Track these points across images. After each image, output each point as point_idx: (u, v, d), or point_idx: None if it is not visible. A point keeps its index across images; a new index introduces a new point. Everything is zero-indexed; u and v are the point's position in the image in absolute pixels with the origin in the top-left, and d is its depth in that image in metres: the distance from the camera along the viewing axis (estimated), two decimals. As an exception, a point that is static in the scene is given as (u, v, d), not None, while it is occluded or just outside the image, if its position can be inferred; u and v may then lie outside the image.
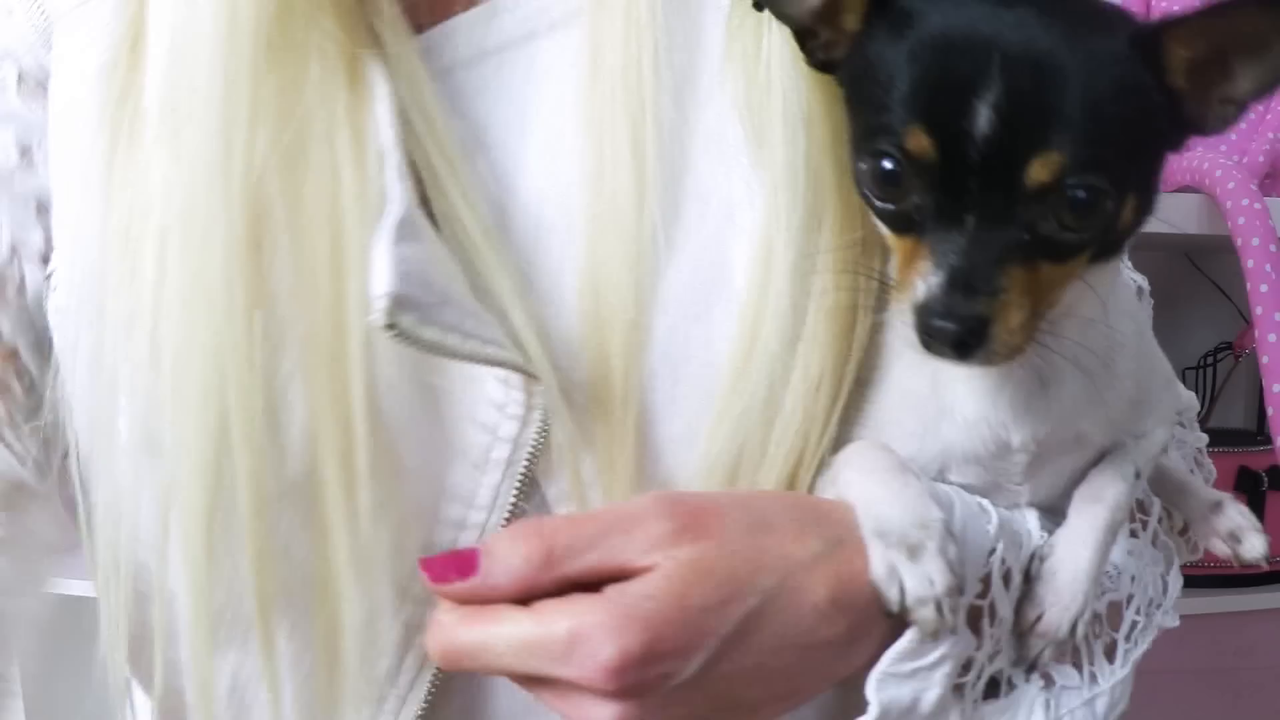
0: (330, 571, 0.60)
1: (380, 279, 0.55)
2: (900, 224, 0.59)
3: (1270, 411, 1.48)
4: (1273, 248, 1.52)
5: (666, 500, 0.57)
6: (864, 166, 0.59)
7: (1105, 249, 0.60)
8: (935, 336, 0.55)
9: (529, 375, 0.62)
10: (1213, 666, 1.81)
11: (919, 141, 0.55)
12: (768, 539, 0.58)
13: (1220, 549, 0.78)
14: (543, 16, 0.68)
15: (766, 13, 0.63)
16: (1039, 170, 0.54)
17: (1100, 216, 0.56)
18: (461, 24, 0.67)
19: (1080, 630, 0.65)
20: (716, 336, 0.65)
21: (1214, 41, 0.56)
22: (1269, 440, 1.49)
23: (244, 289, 0.59)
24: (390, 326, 0.55)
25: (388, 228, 0.56)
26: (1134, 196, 0.58)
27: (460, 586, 0.55)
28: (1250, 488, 1.81)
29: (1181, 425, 0.87)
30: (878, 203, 0.59)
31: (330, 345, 0.60)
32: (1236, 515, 0.78)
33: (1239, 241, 1.53)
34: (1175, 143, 0.61)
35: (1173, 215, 1.63)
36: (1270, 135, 1.66)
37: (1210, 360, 2.01)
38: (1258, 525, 0.78)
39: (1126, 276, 0.75)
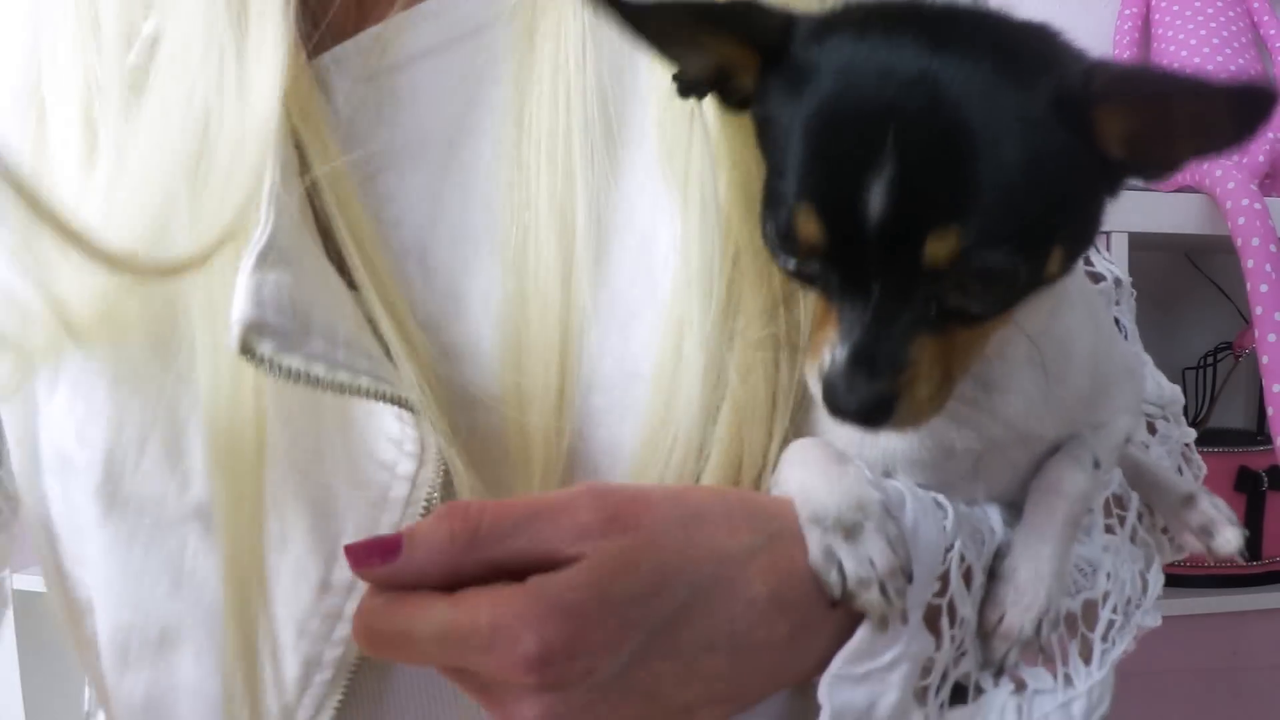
0: (231, 599, 0.59)
1: (237, 305, 0.54)
2: (808, 284, 0.56)
3: (1270, 411, 1.48)
4: (1273, 248, 1.53)
5: (597, 490, 0.55)
6: (768, 226, 0.56)
7: (1035, 288, 0.56)
8: (839, 413, 0.53)
9: (412, 410, 0.60)
10: (1213, 666, 1.81)
11: (808, 225, 0.52)
12: (700, 532, 0.56)
13: (1193, 544, 0.75)
14: (468, 21, 0.67)
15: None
16: (936, 248, 0.50)
17: (1011, 286, 0.53)
18: (388, 29, 0.67)
19: (1045, 631, 0.63)
20: (641, 352, 0.64)
21: (1148, 119, 0.52)
22: (1269, 440, 1.50)
23: (148, 311, 0.59)
24: (247, 353, 0.54)
25: (251, 253, 0.55)
26: (1060, 248, 0.54)
27: (382, 570, 0.53)
28: (1250, 488, 1.81)
29: (1166, 420, 0.85)
30: (782, 260, 0.56)
31: (226, 373, 0.59)
32: (1209, 509, 0.75)
33: (1239, 241, 1.54)
34: (1112, 189, 0.57)
35: (1173, 215, 1.64)
36: (1271, 135, 1.66)
37: (1210, 360, 2.01)
38: (1232, 518, 0.74)
39: (1078, 272, 0.70)
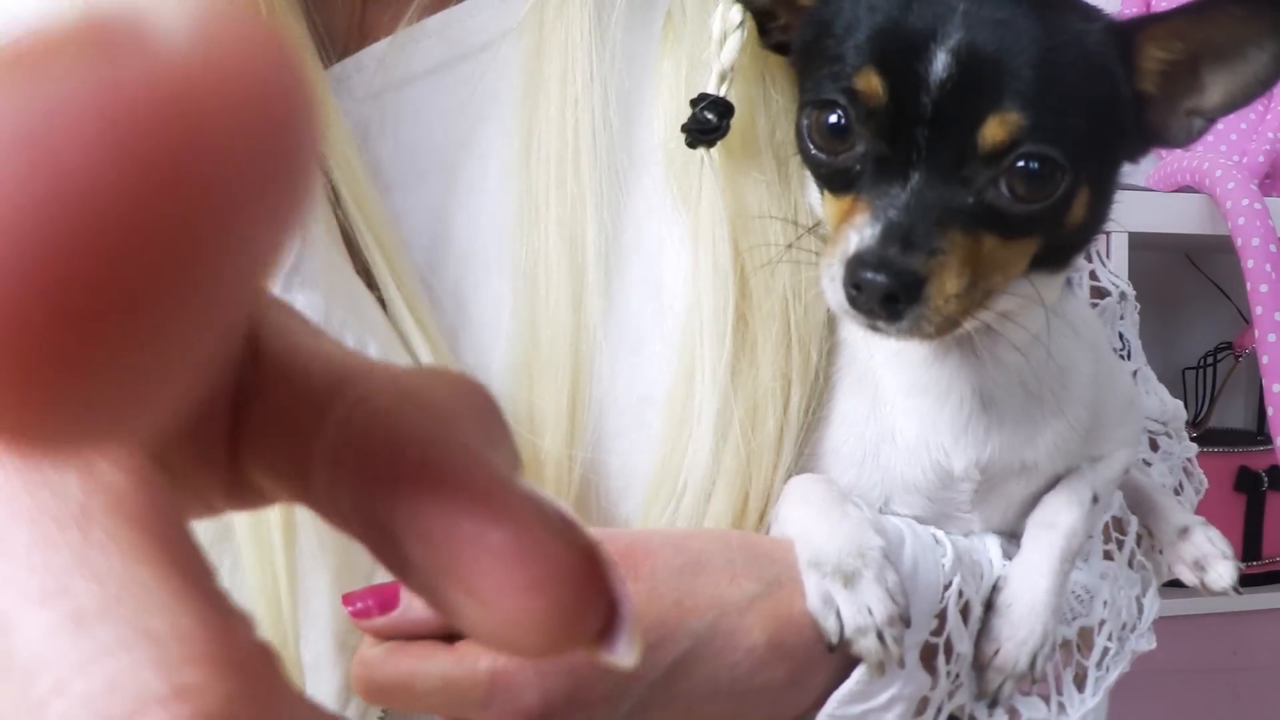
0: (273, 616, 0.59)
1: None
2: (839, 181, 0.56)
3: (1270, 411, 1.48)
4: (1273, 248, 1.53)
5: (596, 537, 0.55)
6: (807, 122, 0.56)
7: (1053, 248, 0.57)
8: (864, 290, 0.51)
9: None
10: (1213, 666, 1.81)
11: (869, 82, 0.53)
12: (699, 580, 0.55)
13: (1187, 577, 0.74)
14: (472, 39, 0.66)
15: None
16: (995, 129, 0.51)
17: (1051, 192, 0.53)
18: (389, 46, 0.65)
19: (1040, 664, 0.63)
20: (653, 377, 0.63)
21: (1189, 44, 0.54)
22: (1269, 440, 1.50)
23: None
24: None
25: (278, 275, 0.54)
26: (1087, 191, 0.55)
27: (382, 622, 0.53)
28: (1250, 488, 1.81)
29: (1169, 436, 0.84)
30: (818, 155, 0.56)
31: None
32: (1204, 542, 0.74)
33: (1239, 241, 1.53)
34: (1136, 152, 0.59)
35: (1173, 215, 1.64)
36: (1270, 135, 1.66)
37: (1210, 360, 2.01)
38: (1227, 552, 0.74)
39: (1081, 302, 0.72)
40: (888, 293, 0.51)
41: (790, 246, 0.62)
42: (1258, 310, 1.51)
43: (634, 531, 0.59)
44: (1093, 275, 0.79)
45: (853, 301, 0.52)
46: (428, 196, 0.65)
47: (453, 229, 0.65)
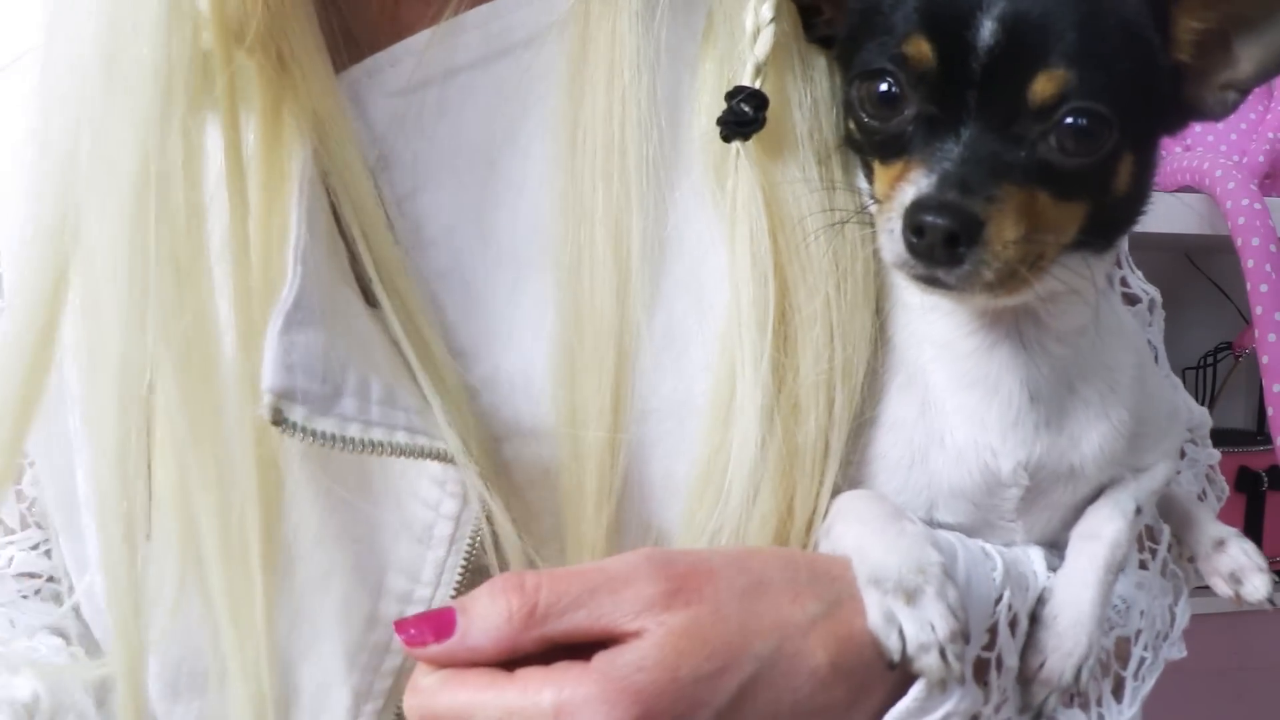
0: (280, 635, 0.59)
1: (266, 372, 0.52)
2: (891, 147, 0.57)
3: (1270, 411, 1.48)
4: (1273, 248, 1.52)
5: (657, 560, 0.54)
6: (857, 93, 0.58)
7: (1100, 219, 0.58)
8: (926, 234, 0.52)
9: (450, 461, 0.58)
10: (1213, 667, 1.81)
11: (919, 48, 0.55)
12: (762, 602, 0.55)
13: (1221, 589, 0.75)
14: (515, 32, 0.65)
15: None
16: (1044, 85, 0.53)
17: (1100, 147, 0.55)
18: (427, 40, 0.64)
19: (1084, 677, 0.63)
20: (695, 380, 0.63)
21: (1221, 13, 0.56)
22: (1269, 440, 1.49)
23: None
24: (278, 422, 0.52)
25: (278, 315, 0.53)
26: (1131, 158, 0.57)
27: (437, 650, 0.52)
28: (1250, 488, 1.81)
29: (1194, 443, 0.85)
30: (870, 122, 0.58)
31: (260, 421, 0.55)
32: (1240, 555, 0.75)
33: (1239, 241, 1.53)
34: (1173, 124, 0.61)
35: (1173, 215, 1.63)
36: (1270, 135, 1.66)
37: (1210, 360, 2.01)
38: (1262, 565, 0.75)
39: (1122, 306, 0.73)
40: (949, 233, 0.51)
41: (828, 217, 0.62)
42: (1258, 310, 1.50)
43: (696, 552, 0.58)
44: (1124, 282, 0.80)
45: (912, 249, 0.53)
46: (465, 193, 0.64)
47: (493, 226, 0.64)
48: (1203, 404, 2.14)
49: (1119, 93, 0.55)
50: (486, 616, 0.52)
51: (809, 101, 0.64)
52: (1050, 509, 0.66)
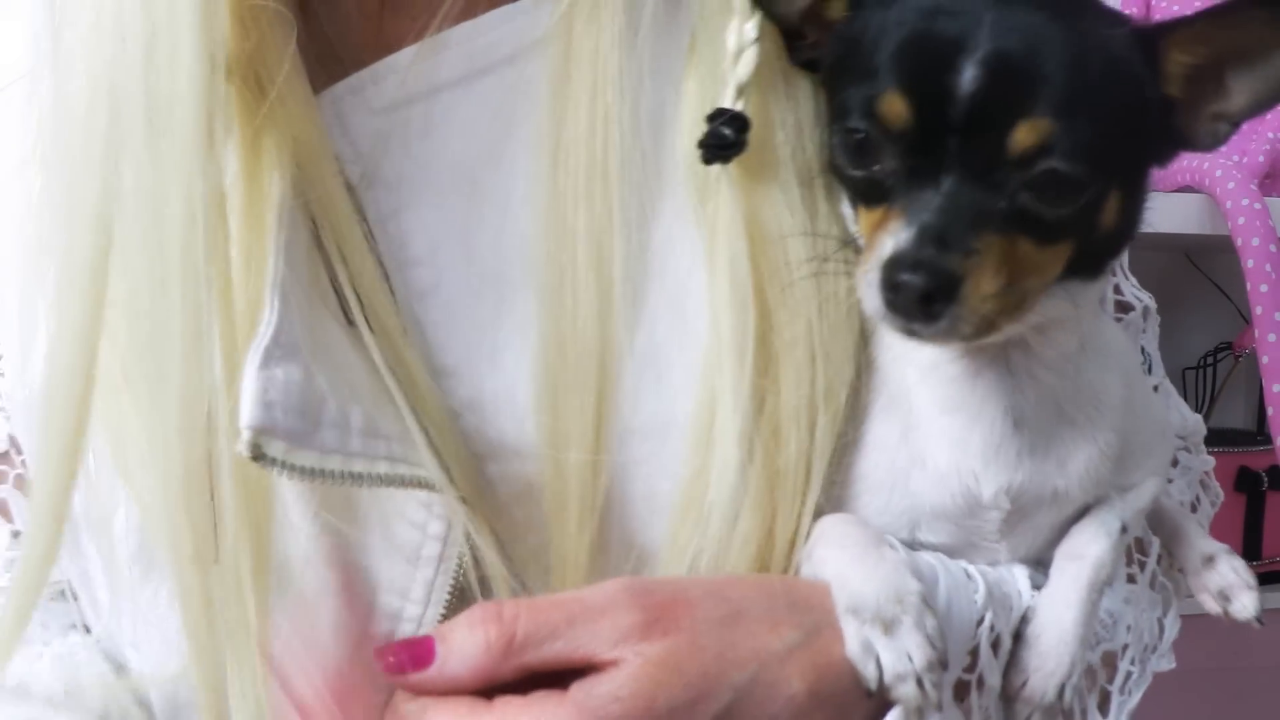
0: (273, 655, 0.58)
1: (245, 409, 0.52)
2: (872, 194, 0.56)
3: (1270, 411, 1.48)
4: (1273, 248, 1.52)
5: (636, 589, 0.55)
6: (836, 140, 0.57)
7: (1088, 254, 0.57)
8: (901, 292, 0.52)
9: (432, 488, 0.59)
10: (1213, 667, 1.81)
11: (892, 106, 0.54)
12: (740, 631, 0.55)
13: (1210, 606, 0.75)
14: (497, 50, 0.64)
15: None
16: (1025, 134, 0.52)
17: (1082, 196, 0.54)
18: (409, 58, 0.63)
19: (1068, 695, 0.63)
20: (677, 401, 0.62)
21: (1213, 48, 0.55)
22: (1269, 440, 1.49)
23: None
24: (258, 458, 0.52)
25: (256, 350, 0.53)
26: (1118, 194, 0.56)
27: (417, 678, 0.53)
28: (1250, 488, 1.81)
29: (1187, 450, 0.84)
30: (849, 171, 0.57)
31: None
32: (1229, 572, 0.75)
33: (1239, 241, 1.53)
34: (1163, 155, 0.60)
35: (1173, 215, 1.63)
36: (1270, 135, 1.66)
37: (1210, 360, 2.01)
38: (1251, 582, 0.75)
39: (1114, 327, 0.72)
40: (925, 292, 0.51)
41: (813, 259, 0.61)
42: (1258, 310, 1.50)
43: (675, 581, 0.59)
44: (1117, 290, 0.79)
45: (890, 305, 0.52)
46: (448, 212, 0.64)
47: (476, 245, 0.63)
48: (1202, 404, 2.14)
49: (1104, 138, 0.53)
50: (464, 646, 0.52)
51: (793, 122, 0.63)
52: (1034, 530, 0.65)
